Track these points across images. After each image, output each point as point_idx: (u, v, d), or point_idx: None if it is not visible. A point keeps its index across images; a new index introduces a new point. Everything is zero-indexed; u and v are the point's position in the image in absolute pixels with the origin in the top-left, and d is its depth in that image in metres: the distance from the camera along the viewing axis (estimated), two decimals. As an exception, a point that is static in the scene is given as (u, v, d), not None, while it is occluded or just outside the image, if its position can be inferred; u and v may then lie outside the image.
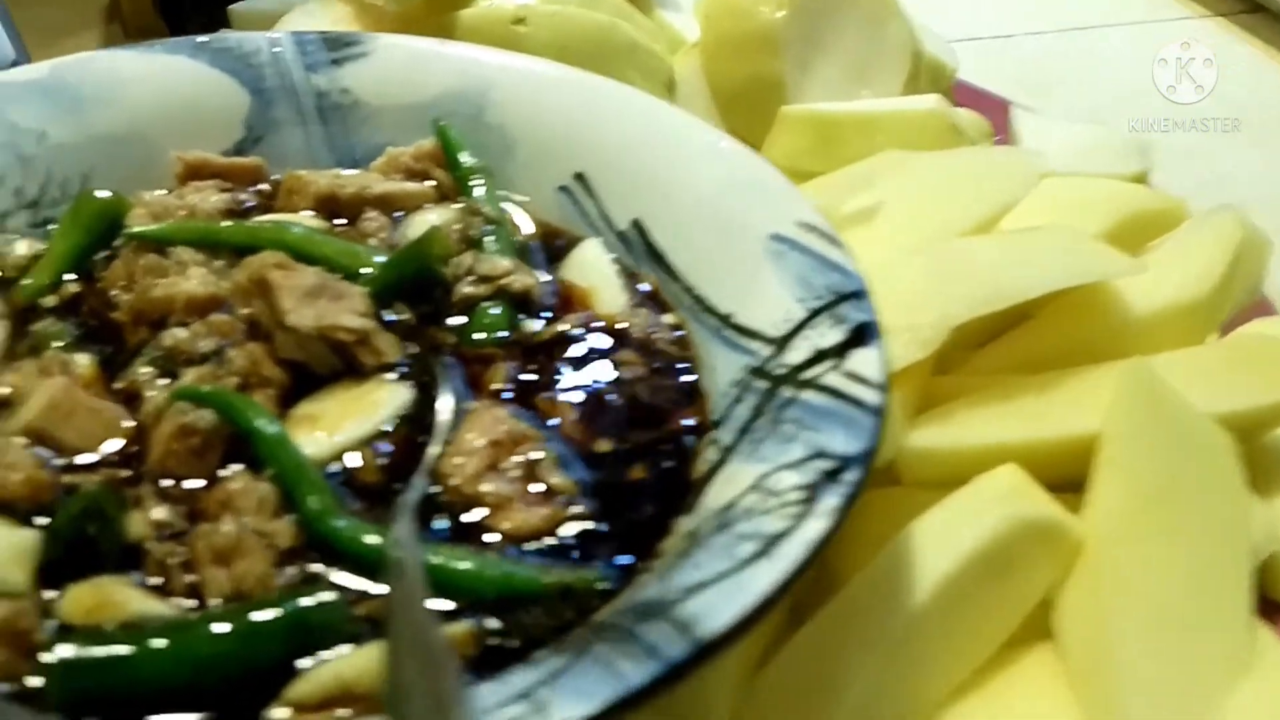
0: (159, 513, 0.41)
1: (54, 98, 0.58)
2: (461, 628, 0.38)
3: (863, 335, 0.44)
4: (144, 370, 0.48)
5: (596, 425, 0.48)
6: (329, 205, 0.59)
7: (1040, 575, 0.47)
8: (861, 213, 0.59)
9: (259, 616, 0.37)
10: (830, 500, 0.36)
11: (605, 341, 0.53)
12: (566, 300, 0.55)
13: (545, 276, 0.56)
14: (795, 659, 0.46)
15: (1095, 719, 0.44)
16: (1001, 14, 1.23)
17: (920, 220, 0.59)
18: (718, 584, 0.34)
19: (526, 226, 0.60)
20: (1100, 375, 0.52)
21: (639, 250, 0.58)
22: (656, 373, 0.51)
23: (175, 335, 0.48)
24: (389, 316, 0.51)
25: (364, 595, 0.40)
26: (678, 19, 0.86)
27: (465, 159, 0.61)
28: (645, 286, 0.57)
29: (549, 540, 0.43)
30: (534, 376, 0.50)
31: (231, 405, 0.44)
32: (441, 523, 0.43)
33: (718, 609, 0.32)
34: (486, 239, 0.56)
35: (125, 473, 0.44)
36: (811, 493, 0.37)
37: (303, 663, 0.37)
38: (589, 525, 0.43)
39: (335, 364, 0.48)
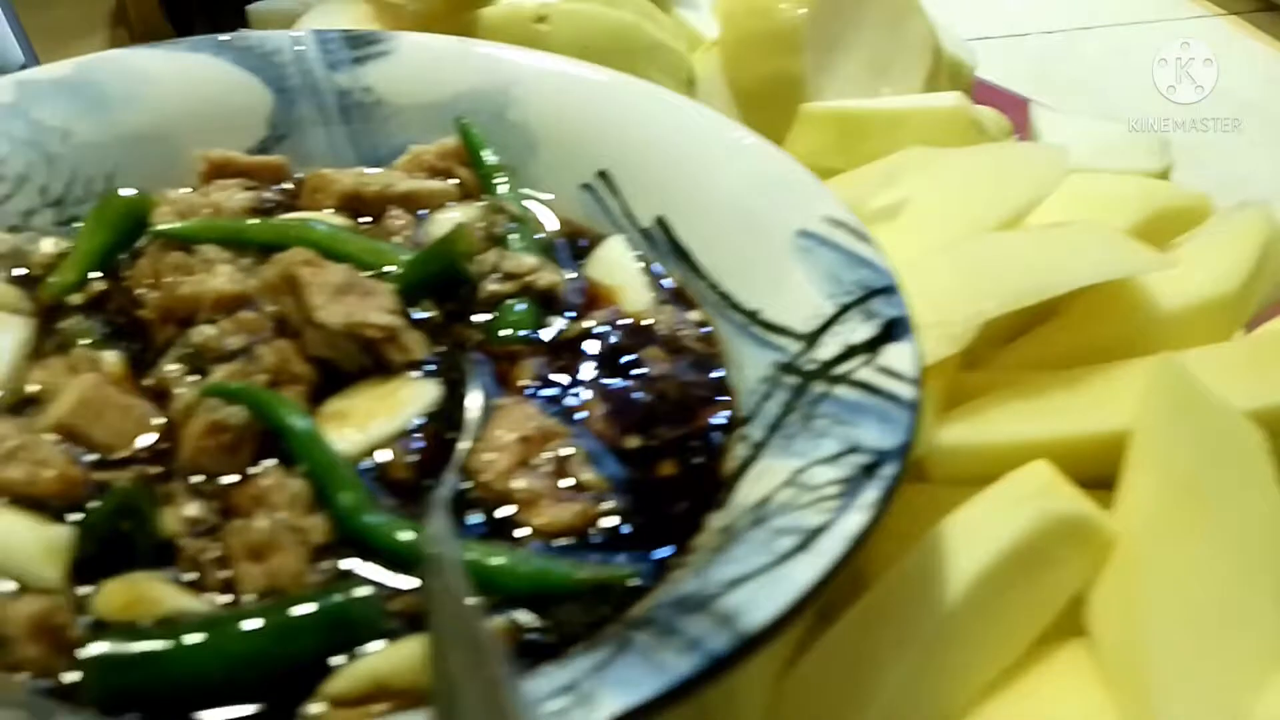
0: (191, 509, 0.41)
1: (79, 96, 0.58)
2: (496, 623, 0.38)
3: (895, 330, 0.44)
4: (172, 367, 0.48)
5: (625, 422, 0.48)
6: (353, 203, 0.59)
7: (1073, 571, 0.46)
8: (887, 209, 0.59)
9: (296, 612, 0.37)
10: (869, 494, 0.36)
11: (632, 338, 0.52)
12: (591, 297, 0.55)
13: (570, 274, 0.56)
14: (826, 658, 0.45)
15: (1129, 715, 0.44)
16: (1014, 13, 1.23)
17: (947, 216, 0.58)
18: (758, 578, 0.34)
19: (550, 224, 0.60)
20: (1129, 371, 0.52)
21: (663, 247, 0.58)
22: (684, 369, 0.51)
23: (204, 332, 0.48)
24: (415, 314, 0.51)
25: (397, 591, 0.40)
26: (696, 17, 0.86)
27: (488, 157, 0.61)
28: (670, 283, 0.57)
29: (581, 536, 0.43)
30: (561, 373, 0.50)
31: (263, 401, 0.44)
32: (473, 519, 0.43)
33: (759, 602, 0.32)
34: (511, 236, 0.56)
35: (155, 470, 0.44)
36: (849, 487, 0.37)
37: (337, 659, 0.37)
38: (620, 521, 0.43)
39: (364, 361, 0.48)
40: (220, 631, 0.37)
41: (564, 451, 0.45)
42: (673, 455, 0.47)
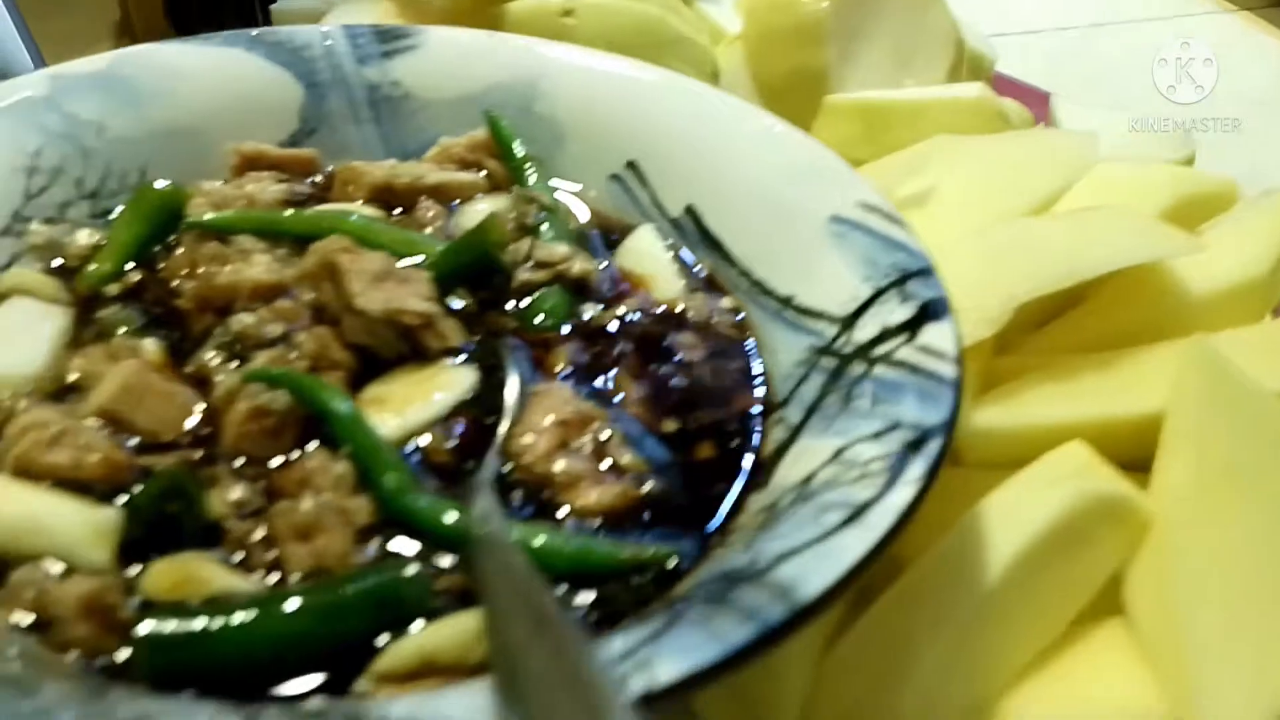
0: (237, 491, 0.42)
1: (113, 91, 0.59)
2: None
3: (933, 310, 0.44)
4: (211, 355, 0.48)
5: (661, 406, 0.48)
6: (384, 195, 0.59)
7: (1110, 551, 0.47)
8: (914, 197, 0.59)
9: (345, 590, 0.37)
10: (915, 469, 0.37)
11: (665, 325, 0.53)
12: (623, 286, 0.56)
13: (603, 263, 0.57)
14: (864, 640, 0.45)
15: (1168, 693, 0.44)
16: (1028, 10, 1.24)
17: (975, 204, 0.59)
18: (808, 550, 0.34)
19: (582, 215, 0.61)
20: (1161, 354, 0.52)
21: (693, 236, 0.58)
22: (718, 354, 0.52)
23: (243, 320, 0.48)
24: (450, 303, 0.52)
25: (442, 571, 0.40)
26: (718, 12, 0.87)
27: (518, 148, 0.61)
28: (701, 272, 0.57)
29: (622, 517, 0.43)
30: (596, 359, 0.51)
31: (305, 386, 0.44)
32: (514, 500, 0.43)
33: (812, 574, 0.33)
34: (543, 226, 0.57)
35: (198, 454, 0.44)
36: (894, 462, 0.37)
37: (382, 638, 0.37)
38: (661, 502, 0.44)
39: (401, 348, 0.49)
40: (269, 610, 0.37)
41: (602, 435, 0.46)
42: (710, 438, 0.47)
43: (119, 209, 0.57)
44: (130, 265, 0.54)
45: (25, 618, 0.37)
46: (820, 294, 0.49)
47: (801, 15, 0.73)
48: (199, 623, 0.36)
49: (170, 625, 0.36)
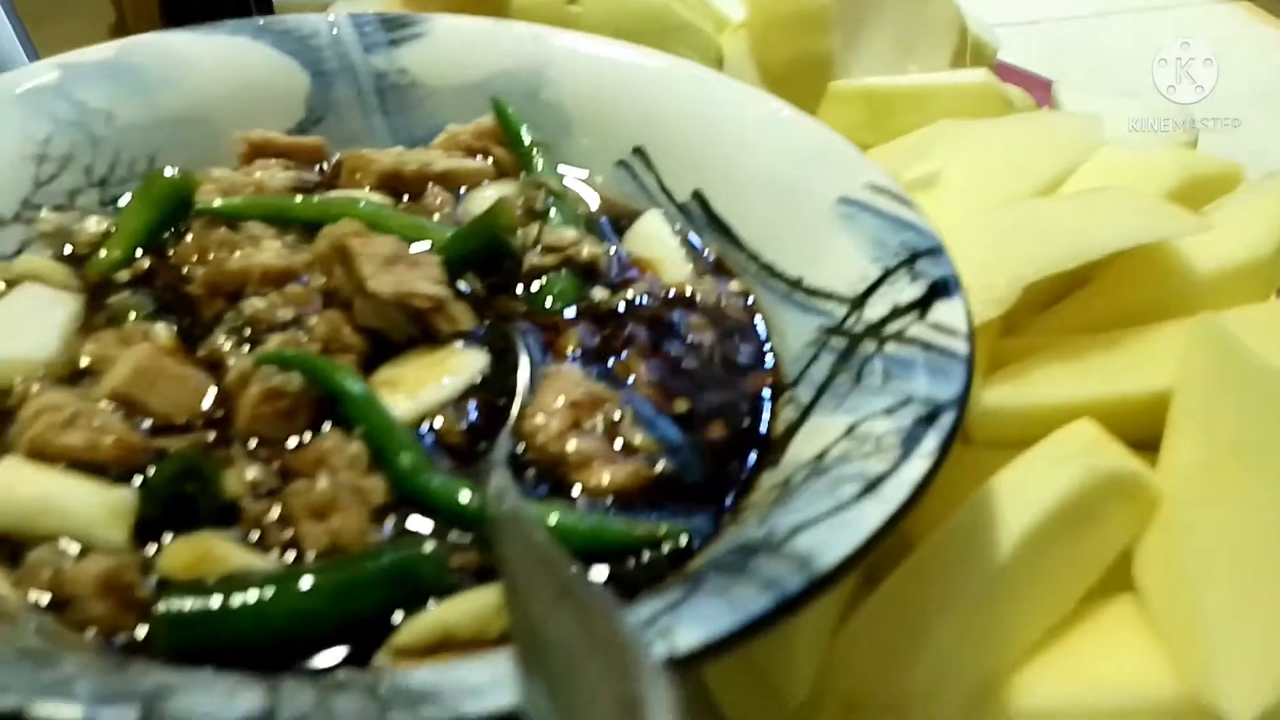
0: (252, 472, 0.42)
1: (121, 79, 0.59)
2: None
3: (943, 288, 0.44)
4: (223, 339, 0.48)
5: (671, 387, 0.49)
6: (392, 182, 0.60)
7: (1120, 527, 0.47)
8: (920, 180, 0.59)
9: (362, 568, 0.38)
10: (929, 443, 0.37)
11: (674, 307, 0.53)
12: (632, 270, 0.56)
13: (612, 247, 0.57)
14: (875, 617, 0.46)
15: (1180, 668, 0.44)
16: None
17: (980, 187, 0.59)
18: (825, 521, 0.34)
19: (590, 201, 0.61)
20: (1168, 332, 0.52)
21: (700, 221, 0.58)
22: (727, 336, 0.52)
23: (254, 304, 0.49)
24: (460, 287, 0.52)
25: (457, 548, 0.40)
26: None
27: (526, 135, 0.61)
28: (709, 255, 0.57)
29: (635, 496, 0.43)
30: (606, 341, 0.51)
31: (319, 367, 0.45)
32: (527, 480, 0.43)
33: (830, 544, 0.33)
34: (551, 210, 0.57)
35: (211, 436, 0.44)
36: (908, 436, 0.37)
37: (398, 616, 0.37)
38: (673, 481, 0.44)
39: (411, 331, 0.49)
40: (287, 587, 0.37)
41: (614, 415, 0.46)
42: (721, 418, 0.47)
43: (128, 196, 0.57)
44: (140, 252, 0.54)
45: (43, 597, 0.37)
46: (829, 275, 0.50)
47: (806, 2, 0.73)
48: (216, 600, 0.36)
49: (188, 603, 0.36)
